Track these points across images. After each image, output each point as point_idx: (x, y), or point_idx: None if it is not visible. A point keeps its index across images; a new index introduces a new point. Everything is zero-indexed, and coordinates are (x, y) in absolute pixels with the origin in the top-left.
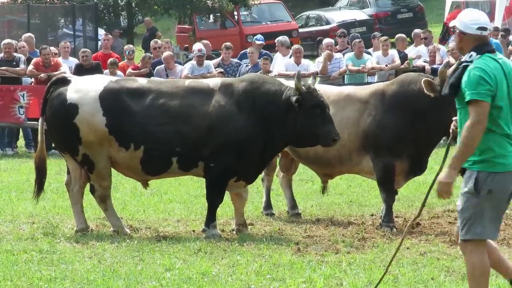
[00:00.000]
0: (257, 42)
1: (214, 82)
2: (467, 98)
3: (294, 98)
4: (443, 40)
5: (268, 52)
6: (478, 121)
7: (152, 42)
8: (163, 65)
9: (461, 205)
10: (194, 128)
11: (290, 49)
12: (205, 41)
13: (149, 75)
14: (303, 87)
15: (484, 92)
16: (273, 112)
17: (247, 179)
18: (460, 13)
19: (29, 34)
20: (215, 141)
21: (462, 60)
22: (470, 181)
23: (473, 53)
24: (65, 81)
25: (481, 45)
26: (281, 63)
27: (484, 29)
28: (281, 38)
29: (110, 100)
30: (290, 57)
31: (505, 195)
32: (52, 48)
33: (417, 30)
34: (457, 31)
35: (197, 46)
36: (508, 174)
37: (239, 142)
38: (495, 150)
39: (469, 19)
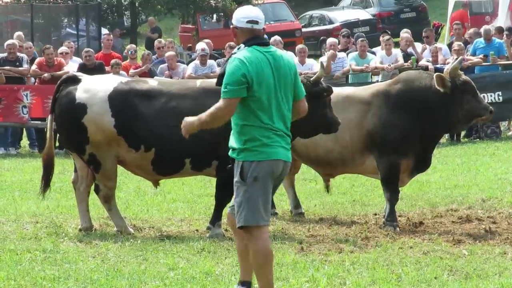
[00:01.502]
0: None
1: None
2: (222, 95)
3: (325, 86)
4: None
5: None
6: (222, 109)
7: (156, 42)
8: (166, 64)
9: (235, 194)
10: (210, 129)
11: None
12: (206, 40)
13: (151, 72)
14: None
15: (235, 88)
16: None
17: None
18: (235, 11)
19: (19, 33)
20: None
21: (232, 52)
22: (238, 170)
23: (242, 45)
24: (75, 80)
25: (252, 38)
26: None
27: (255, 22)
28: (276, 37)
29: (120, 101)
30: None
31: (270, 181)
32: (64, 48)
33: (405, 30)
34: (232, 26)
35: (200, 45)
36: (270, 161)
37: None
38: (258, 140)
39: (240, 14)
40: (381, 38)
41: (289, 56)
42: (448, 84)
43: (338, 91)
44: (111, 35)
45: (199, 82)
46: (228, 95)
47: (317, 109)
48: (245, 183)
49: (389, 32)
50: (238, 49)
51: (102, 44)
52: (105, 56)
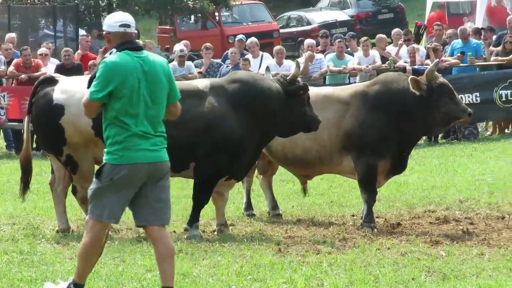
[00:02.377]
0: (237, 39)
1: (203, 83)
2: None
3: (301, 85)
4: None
5: (247, 52)
6: (84, 106)
7: None
8: None
9: (90, 186)
10: (187, 130)
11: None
12: (184, 41)
13: None
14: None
15: (97, 94)
16: (270, 107)
17: (238, 177)
18: (106, 17)
19: (12, 34)
20: (210, 143)
21: (103, 57)
22: (99, 169)
23: (114, 50)
24: (52, 81)
25: (125, 42)
26: (256, 65)
27: (127, 26)
28: (253, 39)
29: None
30: (262, 58)
31: (130, 184)
32: (43, 49)
33: (396, 30)
34: (105, 32)
35: (178, 46)
36: (129, 165)
37: (234, 143)
38: (119, 144)
39: (112, 19)
40: (350, 41)
41: (162, 60)
42: (423, 87)
43: (317, 91)
44: (89, 36)
45: None
46: (90, 97)
47: (294, 108)
48: (100, 182)
49: (353, 34)
50: (110, 53)
51: (79, 45)
52: (82, 57)
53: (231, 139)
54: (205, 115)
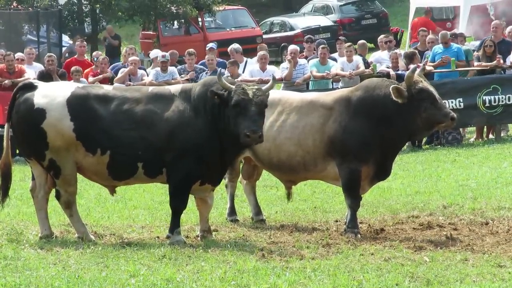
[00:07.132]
0: (208, 48)
1: (175, 88)
2: None
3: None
4: (396, 45)
5: (222, 60)
6: None
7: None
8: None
9: None
10: (156, 133)
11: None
12: (169, 50)
13: (111, 78)
14: (231, 85)
15: None
16: (219, 112)
17: (212, 182)
18: None
19: None
20: (176, 147)
21: None
22: None
23: None
24: (32, 87)
25: None
26: (240, 71)
27: None
28: (234, 46)
29: (78, 105)
30: (246, 64)
31: None
32: (19, 54)
33: (381, 37)
34: None
35: (161, 52)
36: None
37: (198, 146)
38: None
39: None
40: (338, 46)
41: None
42: (404, 94)
43: (302, 96)
44: (84, 42)
45: (150, 88)
46: None
47: (229, 117)
48: None
49: (342, 39)
50: None
51: (77, 52)
52: (77, 63)
53: (194, 143)
54: (171, 119)
